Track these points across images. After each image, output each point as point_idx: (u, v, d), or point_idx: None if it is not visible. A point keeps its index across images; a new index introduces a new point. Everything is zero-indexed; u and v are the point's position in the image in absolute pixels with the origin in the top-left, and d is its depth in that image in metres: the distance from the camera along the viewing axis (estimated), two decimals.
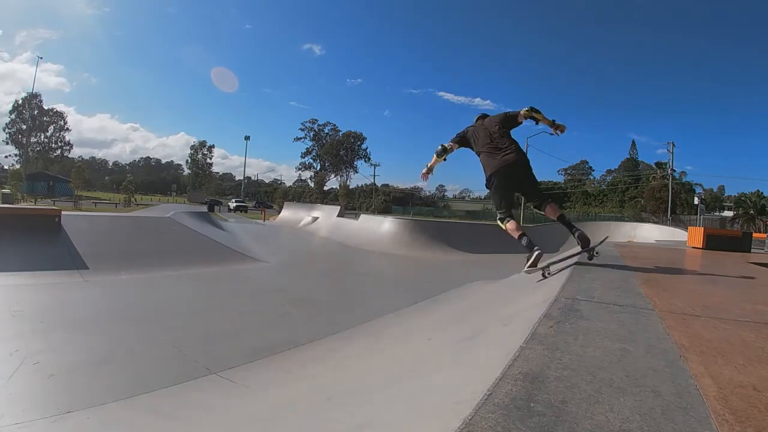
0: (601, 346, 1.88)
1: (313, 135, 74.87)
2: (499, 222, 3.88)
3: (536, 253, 3.59)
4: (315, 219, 20.34)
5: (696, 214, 24.18)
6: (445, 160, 4.13)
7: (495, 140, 3.79)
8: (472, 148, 4.04)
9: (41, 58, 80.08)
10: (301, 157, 75.15)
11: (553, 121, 4.05)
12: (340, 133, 73.52)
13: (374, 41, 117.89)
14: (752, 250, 9.40)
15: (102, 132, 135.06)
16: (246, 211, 41.26)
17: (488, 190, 4.06)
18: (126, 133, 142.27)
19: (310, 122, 75.40)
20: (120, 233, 8.82)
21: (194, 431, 2.33)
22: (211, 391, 2.83)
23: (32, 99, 57.95)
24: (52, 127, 61.55)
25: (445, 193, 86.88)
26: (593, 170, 69.77)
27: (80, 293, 5.47)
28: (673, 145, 40.80)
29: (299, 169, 77.04)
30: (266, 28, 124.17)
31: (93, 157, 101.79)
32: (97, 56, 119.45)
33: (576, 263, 3.92)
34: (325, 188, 67.78)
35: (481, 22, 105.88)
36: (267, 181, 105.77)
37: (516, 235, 3.75)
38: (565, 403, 1.31)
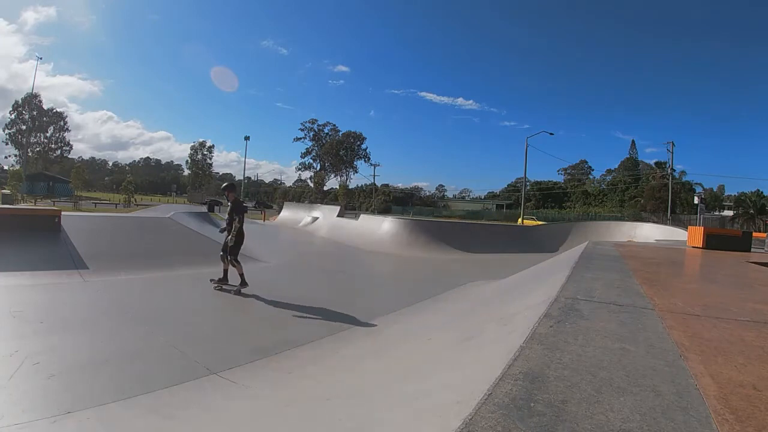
0: (601, 345, 1.88)
1: (313, 135, 74.90)
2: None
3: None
4: (315, 219, 20.35)
5: (696, 213, 24.17)
6: None
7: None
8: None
9: (41, 58, 79.92)
10: (301, 157, 75.13)
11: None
12: (340, 133, 73.55)
13: (358, 38, 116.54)
14: (752, 250, 9.41)
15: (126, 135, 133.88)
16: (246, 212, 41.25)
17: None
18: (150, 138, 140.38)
19: (309, 122, 75.41)
20: (120, 233, 8.82)
21: (194, 431, 2.33)
22: (211, 391, 2.83)
23: (32, 99, 57.99)
24: (51, 128, 61.55)
25: (445, 193, 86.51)
26: (593, 170, 69.39)
27: (80, 293, 5.46)
28: (673, 144, 40.78)
29: (299, 169, 76.98)
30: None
31: (93, 158, 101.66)
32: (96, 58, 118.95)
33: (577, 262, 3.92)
34: (325, 188, 67.68)
35: (468, 18, 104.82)
36: (267, 181, 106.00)
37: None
38: (565, 402, 1.31)
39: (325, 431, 1.95)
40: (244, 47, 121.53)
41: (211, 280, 6.17)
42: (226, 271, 6.16)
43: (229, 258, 6.04)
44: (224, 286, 6.06)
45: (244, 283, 5.95)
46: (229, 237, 5.96)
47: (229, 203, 6.15)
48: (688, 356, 1.78)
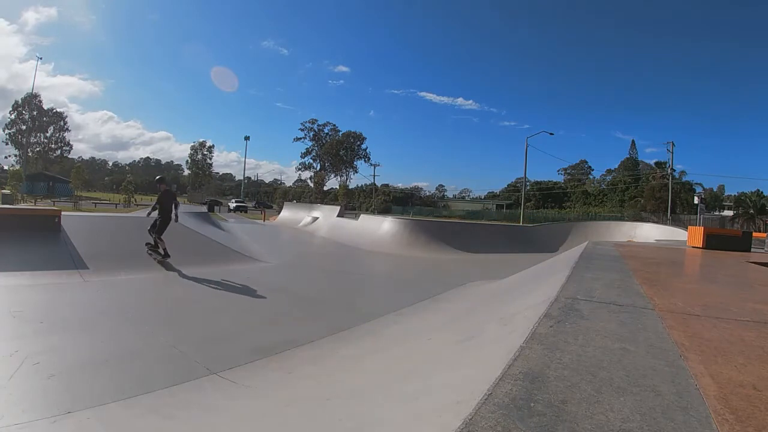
0: (601, 345, 1.88)
1: (313, 135, 74.82)
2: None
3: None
4: (315, 219, 20.34)
5: (696, 213, 24.17)
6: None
7: None
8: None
9: (41, 58, 79.93)
10: (301, 157, 75.03)
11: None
12: (340, 133, 73.48)
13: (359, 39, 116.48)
14: (752, 250, 9.41)
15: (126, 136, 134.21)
16: (246, 212, 41.19)
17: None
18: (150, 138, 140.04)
19: (309, 122, 75.32)
20: (120, 233, 8.82)
21: (194, 431, 2.33)
22: (211, 391, 2.83)
23: (32, 99, 57.96)
24: (52, 128, 61.52)
25: (445, 193, 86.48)
26: (593, 170, 69.38)
27: (80, 293, 5.46)
28: (673, 144, 40.83)
29: (299, 169, 76.85)
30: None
31: (93, 158, 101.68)
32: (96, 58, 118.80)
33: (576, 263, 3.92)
34: (325, 188, 67.58)
35: (468, 18, 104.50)
36: (267, 181, 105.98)
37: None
38: (565, 402, 1.31)
39: (325, 431, 1.95)
40: (244, 47, 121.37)
41: (146, 244, 7.72)
42: (155, 240, 7.62)
43: (154, 235, 7.57)
44: (154, 254, 7.58)
45: (166, 255, 7.53)
46: (149, 213, 7.89)
47: (160, 191, 7.89)
48: (688, 356, 1.79)
